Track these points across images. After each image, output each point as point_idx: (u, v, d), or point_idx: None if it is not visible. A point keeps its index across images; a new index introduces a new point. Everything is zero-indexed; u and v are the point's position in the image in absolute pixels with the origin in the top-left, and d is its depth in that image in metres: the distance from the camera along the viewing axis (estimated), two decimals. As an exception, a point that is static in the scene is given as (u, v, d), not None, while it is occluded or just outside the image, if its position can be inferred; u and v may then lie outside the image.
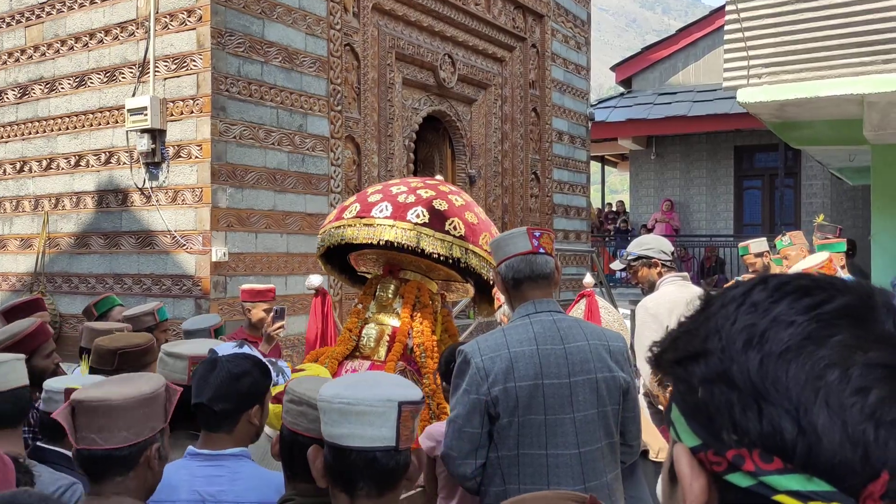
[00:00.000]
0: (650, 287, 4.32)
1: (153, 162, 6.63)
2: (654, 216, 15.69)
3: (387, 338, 3.56)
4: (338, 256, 4.02)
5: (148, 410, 1.75)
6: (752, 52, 8.19)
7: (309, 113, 7.26)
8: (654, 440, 3.48)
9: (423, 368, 3.46)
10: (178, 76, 6.55)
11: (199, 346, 2.53)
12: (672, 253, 4.35)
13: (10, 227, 7.83)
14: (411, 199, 3.51)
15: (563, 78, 11.21)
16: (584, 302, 4.26)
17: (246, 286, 4.95)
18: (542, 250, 2.43)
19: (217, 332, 4.27)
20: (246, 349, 2.48)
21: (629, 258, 4.39)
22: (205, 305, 6.40)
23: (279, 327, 4.56)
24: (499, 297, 4.11)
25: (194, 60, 6.46)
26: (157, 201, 6.64)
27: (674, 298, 3.99)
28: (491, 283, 3.64)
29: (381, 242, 3.43)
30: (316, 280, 4.05)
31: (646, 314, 4.11)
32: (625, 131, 15.73)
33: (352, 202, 3.68)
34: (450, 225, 3.46)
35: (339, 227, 3.56)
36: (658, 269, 4.25)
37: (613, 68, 17.30)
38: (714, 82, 15.99)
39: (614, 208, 17.24)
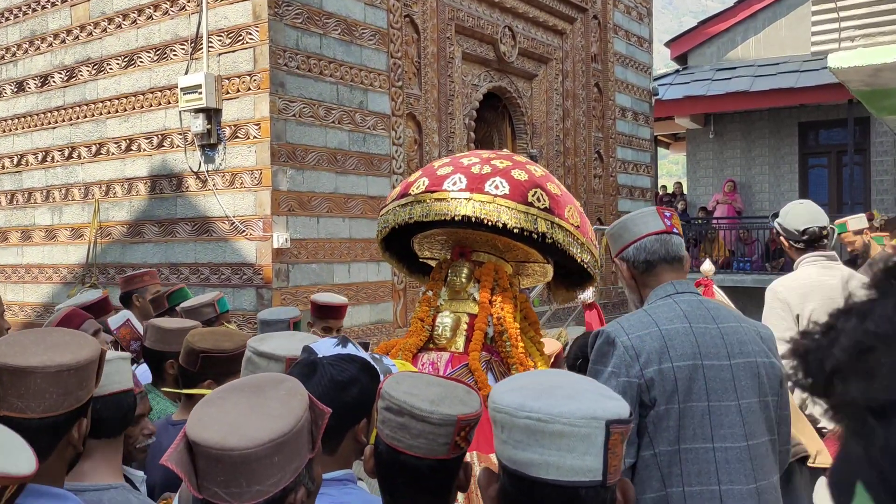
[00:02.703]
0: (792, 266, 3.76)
1: (208, 144, 6.26)
2: (716, 197, 15.04)
3: (464, 326, 3.16)
4: (399, 240, 3.59)
5: (283, 456, 1.29)
6: (843, 14, 7.56)
7: (369, 89, 6.82)
8: (811, 442, 2.98)
9: (508, 358, 3.06)
10: (233, 51, 6.15)
11: (293, 343, 2.08)
12: (807, 231, 3.66)
13: (59, 216, 7.53)
14: (487, 169, 3.10)
15: (625, 51, 10.64)
16: (700, 292, 3.70)
17: (314, 297, 4.27)
18: (675, 230, 2.19)
19: (296, 326, 3.84)
20: (351, 348, 2.04)
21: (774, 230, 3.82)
22: (267, 295, 6.01)
23: None
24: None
25: (250, 33, 6.06)
26: (213, 185, 6.26)
27: (810, 283, 3.43)
28: (584, 264, 3.17)
29: (456, 219, 3.02)
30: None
31: (774, 298, 3.56)
32: (682, 109, 15.06)
33: (418, 177, 3.26)
34: (533, 196, 3.04)
35: (406, 204, 3.14)
36: (787, 246, 3.69)
37: (668, 44, 16.61)
38: (776, 55, 15.25)
39: (670, 190, 16.58)
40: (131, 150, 6.88)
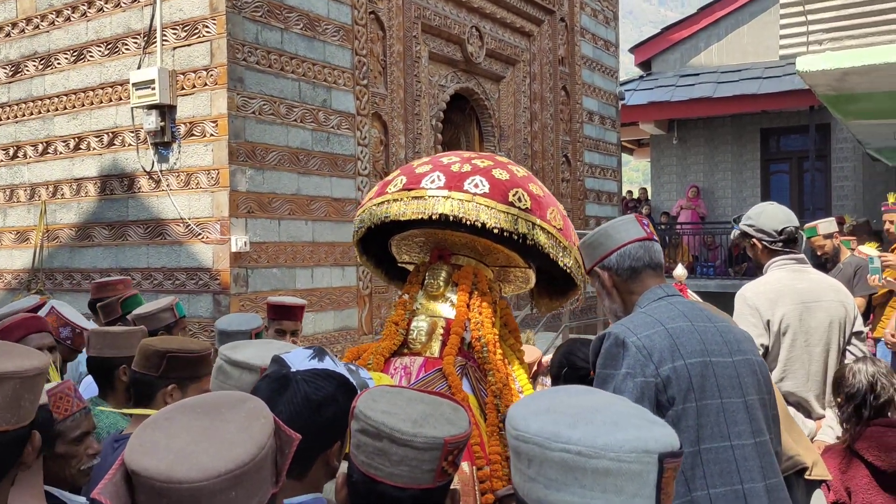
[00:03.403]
0: (760, 269, 3.62)
1: (162, 142, 5.94)
2: (680, 202, 15.06)
3: (440, 330, 3.01)
4: (376, 243, 3.44)
5: (241, 491, 1.05)
6: (811, 17, 7.52)
7: (333, 87, 6.57)
8: (807, 453, 2.81)
9: (485, 364, 2.89)
10: (188, 45, 5.85)
11: (269, 352, 1.85)
12: (784, 230, 3.54)
13: (3, 219, 7.13)
14: (467, 168, 2.97)
15: (592, 55, 10.54)
16: None
17: (272, 299, 4.05)
18: (655, 237, 2.16)
19: (258, 337, 3.57)
20: (328, 361, 1.81)
21: (734, 235, 3.69)
22: (224, 302, 5.72)
23: None
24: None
25: (207, 26, 5.77)
26: (167, 186, 5.95)
27: (780, 287, 3.29)
28: (566, 268, 3.02)
29: (433, 217, 2.89)
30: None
31: (744, 304, 3.43)
32: (647, 115, 15.06)
33: (396, 175, 3.14)
34: (514, 196, 2.91)
35: (383, 202, 3.01)
36: (759, 250, 3.54)
37: (632, 50, 16.63)
38: (738, 62, 15.34)
39: (636, 195, 16.57)
40: (80, 148, 6.53)
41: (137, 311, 3.78)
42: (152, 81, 5.79)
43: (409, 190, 2.94)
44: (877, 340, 6.10)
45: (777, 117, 15.20)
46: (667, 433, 1.05)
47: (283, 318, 3.86)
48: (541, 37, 9.51)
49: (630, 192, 16.79)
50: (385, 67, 7.17)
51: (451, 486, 1.42)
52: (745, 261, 14.91)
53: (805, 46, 7.38)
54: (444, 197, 2.85)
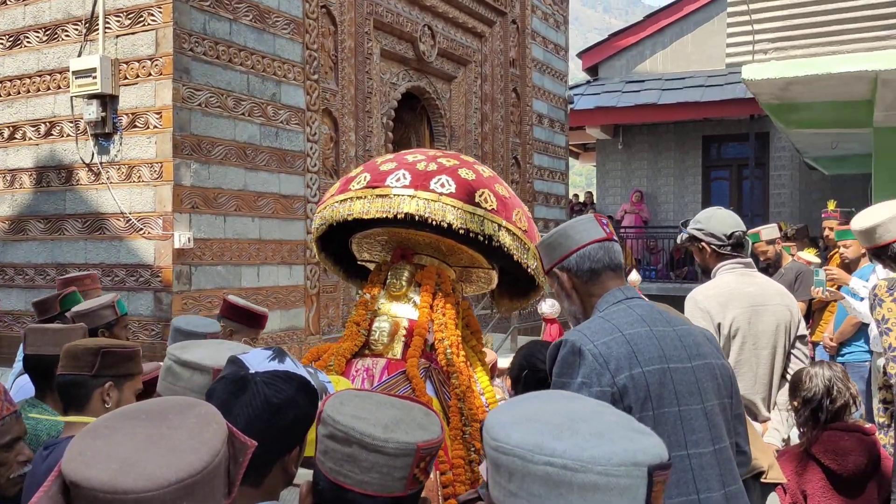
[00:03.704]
0: (706, 273, 3.66)
1: (103, 133, 5.72)
2: (624, 207, 15.27)
3: (403, 332, 2.97)
4: (336, 241, 3.37)
5: (192, 502, 0.96)
6: (757, 27, 7.67)
7: (283, 81, 6.42)
8: (763, 456, 2.83)
9: (449, 367, 2.87)
10: (132, 33, 5.64)
11: (221, 353, 1.75)
12: (734, 235, 3.60)
13: (-71, 210, 6.77)
14: (433, 166, 2.95)
15: (542, 57, 10.59)
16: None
17: (234, 299, 3.73)
18: (614, 238, 2.12)
19: None
20: (289, 363, 1.72)
21: (681, 238, 3.71)
22: (166, 300, 5.53)
23: None
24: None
25: (152, 14, 5.57)
26: (107, 179, 5.72)
27: (730, 291, 3.32)
28: (530, 270, 3.00)
29: (398, 217, 2.85)
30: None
31: (695, 307, 3.46)
32: (593, 119, 15.23)
33: (359, 172, 3.09)
34: (480, 196, 2.90)
35: (346, 199, 2.97)
36: (708, 254, 3.58)
37: (580, 55, 16.79)
38: (682, 70, 15.63)
39: (581, 199, 16.74)
40: (15, 138, 6.24)
41: (77, 308, 3.62)
42: (93, 70, 5.56)
43: (374, 188, 2.88)
44: (815, 344, 6.24)
45: (718, 125, 15.54)
46: (655, 443, 1.00)
47: (255, 326, 3.66)
48: (492, 38, 9.50)
49: (576, 196, 16.96)
50: (336, 63, 7.06)
51: (423, 497, 1.36)
52: (685, 265, 15.21)
53: (751, 55, 7.52)
54: (409, 196, 2.81)
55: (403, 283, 3.02)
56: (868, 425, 2.67)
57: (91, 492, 0.91)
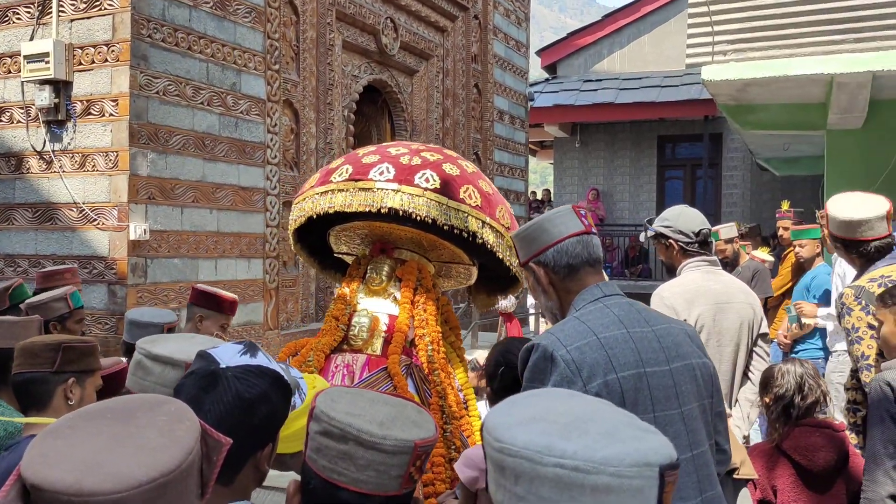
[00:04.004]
0: (671, 271, 3.69)
1: (56, 120, 5.52)
2: (581, 204, 15.36)
3: (382, 328, 2.95)
4: (313, 232, 3.31)
5: (165, 502, 0.90)
6: (717, 28, 7.78)
7: (243, 70, 6.29)
8: (735, 452, 2.85)
9: (430, 364, 2.84)
10: (88, 17, 5.46)
11: (193, 347, 1.69)
12: (701, 232, 3.64)
13: None
14: (416, 160, 2.92)
15: (504, 54, 10.59)
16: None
17: (206, 288, 3.66)
18: (593, 230, 2.03)
19: (170, 332, 3.33)
20: (261, 356, 1.67)
21: (647, 235, 3.74)
22: (121, 293, 5.37)
23: None
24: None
25: (109, -1, 5.40)
26: (60, 167, 5.53)
27: (695, 288, 3.36)
28: (510, 266, 2.99)
29: (382, 211, 2.81)
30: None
31: (661, 304, 3.48)
32: (551, 117, 15.31)
33: (340, 164, 3.05)
34: (464, 192, 2.88)
35: (327, 191, 2.92)
36: (676, 251, 3.61)
37: (539, 53, 16.86)
38: (639, 70, 15.82)
39: (539, 197, 16.84)
40: (-40, 123, 5.99)
41: (31, 300, 3.51)
42: (46, 55, 5.36)
43: (357, 180, 2.84)
44: (770, 342, 6.36)
45: (673, 125, 15.76)
46: (664, 443, 0.98)
47: (225, 312, 3.57)
48: (455, 33, 9.46)
49: (534, 193, 17.05)
50: (298, 53, 6.94)
51: (415, 496, 1.32)
52: (640, 263, 15.42)
53: (710, 56, 7.62)
54: (393, 190, 2.77)
55: (383, 278, 2.98)
56: (838, 422, 2.71)
57: (54, 495, 0.84)
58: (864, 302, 2.76)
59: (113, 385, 2.26)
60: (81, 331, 3.68)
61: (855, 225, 2.97)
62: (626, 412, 1.08)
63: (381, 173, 2.84)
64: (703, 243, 3.51)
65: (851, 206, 3.05)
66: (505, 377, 2.47)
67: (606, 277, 2.08)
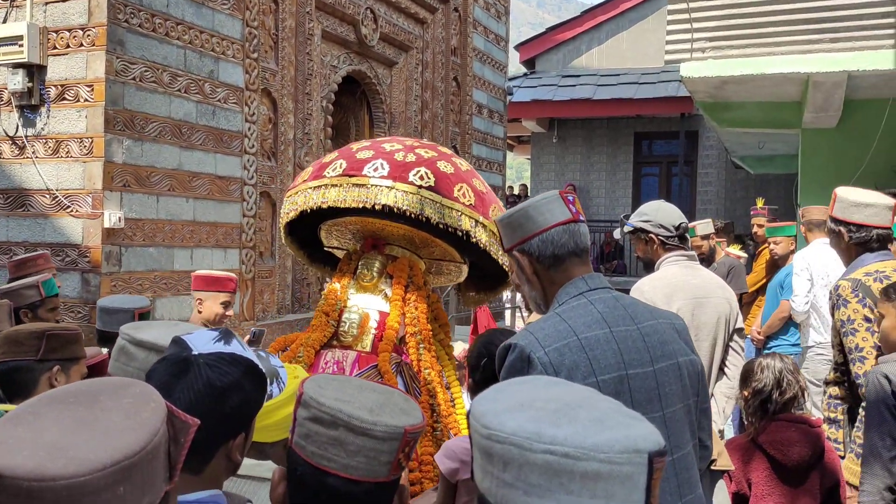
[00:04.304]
0: (649, 266, 3.71)
1: (29, 105, 5.42)
2: (567, 190, 15.44)
3: (373, 324, 2.94)
4: (305, 226, 3.31)
5: (130, 486, 0.87)
6: (696, 25, 7.83)
7: (221, 58, 6.22)
8: (713, 444, 2.88)
9: (420, 362, 2.85)
10: (63, 0, 5.36)
11: (176, 332, 1.66)
12: (679, 227, 3.67)
13: None
14: (411, 157, 2.92)
15: (483, 47, 10.58)
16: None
17: (200, 272, 3.92)
18: (581, 217, 1.95)
19: (142, 317, 3.31)
20: (235, 345, 1.66)
21: (625, 230, 3.75)
22: (94, 281, 5.29)
23: None
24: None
25: (85, -18, 5.30)
26: (33, 153, 5.43)
27: (675, 282, 3.38)
28: (504, 266, 3.03)
29: (376, 207, 2.82)
30: None
31: (641, 298, 3.48)
32: (529, 112, 15.34)
33: (334, 158, 3.04)
34: (458, 191, 2.88)
35: (320, 186, 2.92)
36: (655, 245, 3.63)
37: (518, 47, 16.87)
38: (617, 67, 15.89)
39: (516, 192, 16.87)
40: (-71, 106, 5.86)
41: (0, 287, 3.45)
42: (20, 38, 5.26)
43: (350, 176, 2.83)
44: (744, 337, 6.44)
45: (650, 122, 15.87)
46: (651, 430, 0.97)
47: (215, 290, 3.71)
48: (434, 25, 9.43)
49: (511, 188, 17.08)
50: (277, 42, 6.88)
51: (402, 483, 1.32)
52: (615, 258, 15.53)
53: (689, 53, 7.66)
54: (387, 187, 2.77)
55: (374, 274, 2.98)
56: (814, 417, 2.74)
57: (14, 482, 0.81)
58: (860, 294, 2.79)
59: (94, 376, 2.24)
60: (55, 319, 3.63)
61: (863, 207, 3.02)
62: (613, 400, 1.07)
63: (376, 169, 2.84)
64: (681, 237, 3.54)
65: (863, 192, 3.09)
66: (487, 369, 2.47)
67: (591, 268, 2.05)
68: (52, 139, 5.39)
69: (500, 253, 2.89)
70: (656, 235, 3.53)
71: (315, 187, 2.90)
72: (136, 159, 5.51)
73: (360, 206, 2.81)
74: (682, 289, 3.34)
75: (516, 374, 1.73)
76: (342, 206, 2.84)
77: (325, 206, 2.87)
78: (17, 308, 3.31)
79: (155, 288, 5.64)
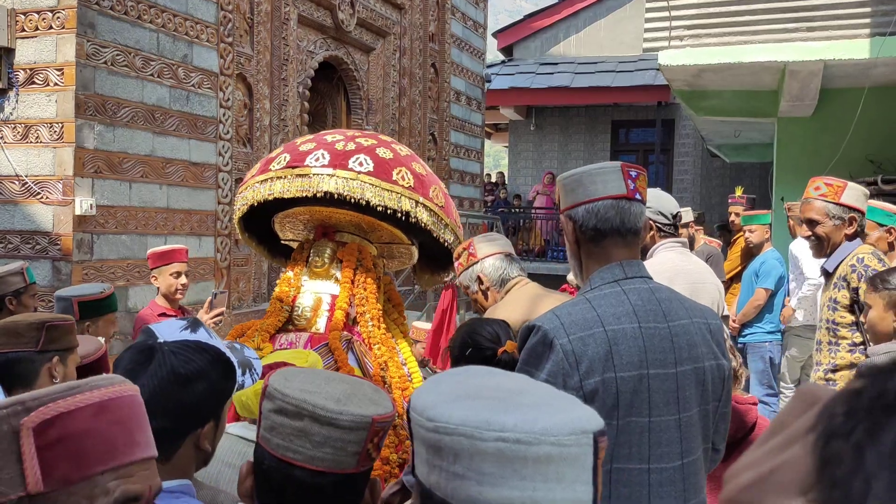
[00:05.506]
0: (641, 253, 3.71)
1: (-4, 88, 5.30)
2: (536, 188, 15.48)
3: (325, 307, 3.08)
4: (259, 221, 3.44)
5: None
6: (674, 13, 7.83)
7: (195, 42, 6.11)
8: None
9: (371, 339, 2.99)
10: (31, -19, 5.23)
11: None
12: (675, 215, 3.67)
13: None
14: (351, 146, 3.06)
15: (461, 34, 10.52)
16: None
17: (152, 250, 4.09)
18: (637, 196, 1.83)
19: (85, 306, 3.37)
20: (202, 332, 1.65)
21: None
22: (65, 269, 5.19)
23: (217, 315, 3.66)
24: (460, 262, 3.39)
25: (54, -38, 5.17)
26: (1, 138, 5.31)
27: (674, 268, 3.39)
28: (446, 244, 3.16)
29: (318, 195, 2.98)
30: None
31: None
32: (507, 100, 15.32)
33: (279, 153, 3.19)
34: (397, 174, 3.02)
35: (266, 179, 3.07)
36: (652, 232, 3.64)
37: (496, 34, 16.81)
38: (594, 55, 15.89)
39: (493, 179, 16.86)
40: None
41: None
42: (-14, 19, 5.13)
43: (294, 167, 2.97)
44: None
45: (627, 111, 15.91)
46: (591, 411, 0.96)
47: (164, 264, 3.97)
48: (412, 11, 9.35)
49: (489, 175, 17.06)
50: (252, 26, 6.78)
51: (373, 477, 1.30)
52: (593, 246, 15.57)
53: (667, 41, 7.66)
54: (328, 175, 2.90)
55: (325, 260, 3.09)
56: (746, 396, 2.76)
57: None
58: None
59: (96, 372, 2.23)
60: (35, 306, 3.62)
61: (866, 197, 3.31)
62: (548, 385, 1.06)
63: (317, 159, 2.97)
64: (675, 225, 3.57)
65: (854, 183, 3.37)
66: (472, 358, 2.42)
67: (636, 253, 1.91)
68: (21, 124, 5.27)
69: (443, 231, 3.04)
70: (654, 223, 3.54)
71: (262, 181, 3.03)
72: (107, 145, 5.40)
73: (304, 195, 2.95)
74: (681, 274, 3.35)
75: (536, 358, 1.71)
76: (287, 196, 2.97)
77: (271, 197, 3.00)
78: (3, 295, 3.33)
79: (128, 276, 5.55)
